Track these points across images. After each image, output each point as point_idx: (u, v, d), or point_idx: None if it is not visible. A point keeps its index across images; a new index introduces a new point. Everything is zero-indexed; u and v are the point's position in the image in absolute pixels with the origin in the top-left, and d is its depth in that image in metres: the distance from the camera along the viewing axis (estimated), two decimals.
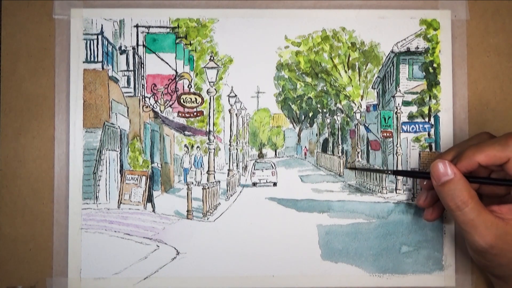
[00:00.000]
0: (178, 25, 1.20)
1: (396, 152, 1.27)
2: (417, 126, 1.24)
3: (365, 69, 1.26)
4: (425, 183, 1.06)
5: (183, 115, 1.24)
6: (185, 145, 1.32)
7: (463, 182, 0.90)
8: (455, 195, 0.89)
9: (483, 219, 0.88)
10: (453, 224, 1.17)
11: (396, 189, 1.24)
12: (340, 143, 1.41)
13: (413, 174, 1.09)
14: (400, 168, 1.25)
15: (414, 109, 1.25)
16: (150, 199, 1.23)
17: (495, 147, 0.89)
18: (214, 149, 1.27)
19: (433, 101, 1.20)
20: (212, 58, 1.22)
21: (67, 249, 1.14)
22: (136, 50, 1.22)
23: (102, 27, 1.18)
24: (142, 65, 1.22)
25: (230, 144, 1.34)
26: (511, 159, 0.88)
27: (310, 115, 1.41)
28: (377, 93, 1.32)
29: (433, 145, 1.21)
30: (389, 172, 1.12)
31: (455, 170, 0.90)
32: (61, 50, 1.17)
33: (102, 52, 1.19)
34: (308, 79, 1.30)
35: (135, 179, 1.22)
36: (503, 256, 0.89)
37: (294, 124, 1.42)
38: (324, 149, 1.44)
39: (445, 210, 1.03)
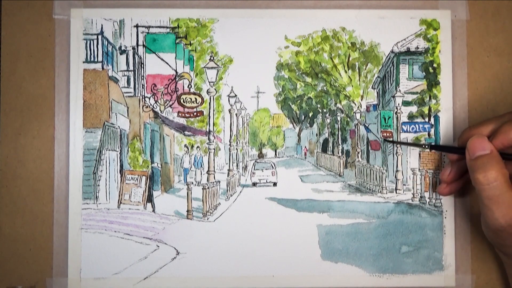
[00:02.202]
0: (178, 25, 1.20)
1: (396, 152, 1.27)
2: (417, 126, 1.24)
3: (365, 69, 1.26)
4: (455, 158, 1.06)
5: (183, 115, 1.24)
6: (185, 145, 1.32)
7: (497, 158, 0.91)
8: (487, 168, 0.90)
9: (509, 197, 0.88)
10: (453, 224, 1.17)
11: (396, 189, 1.24)
12: (340, 143, 1.41)
13: (449, 149, 1.10)
14: (399, 167, 1.25)
15: (414, 109, 1.25)
16: (150, 199, 1.23)
17: None
18: (214, 149, 1.27)
19: (433, 101, 1.20)
20: (212, 58, 1.22)
21: (67, 249, 1.14)
22: (136, 50, 1.22)
23: (102, 27, 1.18)
24: (142, 65, 1.23)
25: (230, 144, 1.34)
26: None
27: (310, 115, 1.41)
28: (377, 93, 1.32)
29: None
30: (426, 146, 1.11)
31: (491, 147, 0.92)
32: (61, 50, 1.17)
33: (102, 52, 1.19)
34: (308, 79, 1.30)
35: (135, 179, 1.22)
36: None
37: (294, 124, 1.42)
38: (324, 149, 1.44)
39: (458, 190, 1.09)
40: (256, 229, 1.18)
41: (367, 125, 1.31)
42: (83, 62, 1.17)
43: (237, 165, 1.37)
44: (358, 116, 1.32)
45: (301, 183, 1.27)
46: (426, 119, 1.23)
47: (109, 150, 1.21)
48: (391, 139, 1.26)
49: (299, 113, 1.39)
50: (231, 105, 1.26)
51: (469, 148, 0.94)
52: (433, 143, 1.19)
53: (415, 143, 1.21)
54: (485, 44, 1.19)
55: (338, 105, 1.32)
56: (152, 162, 1.24)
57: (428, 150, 1.17)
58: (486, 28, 1.20)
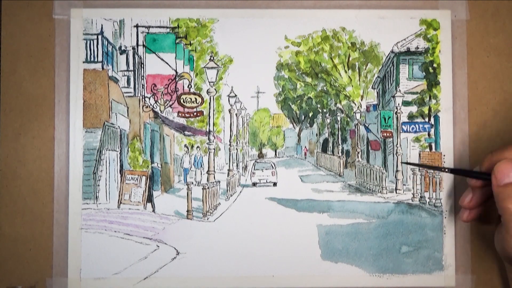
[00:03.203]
0: (178, 25, 1.20)
1: (396, 152, 1.27)
2: (417, 126, 1.24)
3: (365, 69, 1.26)
4: (478, 184, 1.00)
5: (183, 115, 1.24)
6: (185, 145, 1.32)
7: None
8: None
9: None
10: (453, 224, 1.17)
11: (396, 189, 1.24)
12: (340, 143, 1.41)
13: (471, 174, 1.02)
14: (400, 168, 1.25)
15: (414, 109, 1.25)
16: (150, 199, 1.23)
17: None
18: (214, 149, 1.27)
19: (433, 101, 1.20)
20: (212, 58, 1.22)
21: (67, 249, 1.14)
22: (136, 50, 1.22)
23: (102, 27, 1.18)
24: (142, 65, 1.22)
25: (230, 144, 1.34)
26: None
27: (310, 115, 1.41)
28: (377, 93, 1.32)
29: (433, 145, 1.21)
30: (446, 170, 1.04)
31: None
32: (61, 50, 1.17)
33: (102, 52, 1.19)
34: (308, 79, 1.30)
35: (135, 179, 1.22)
36: None
37: (294, 124, 1.42)
38: (324, 149, 1.44)
39: (477, 213, 1.01)
40: (256, 229, 1.18)
41: (367, 125, 1.31)
42: (83, 62, 1.17)
43: (237, 165, 1.37)
44: (358, 116, 1.32)
45: (301, 183, 1.27)
46: (426, 119, 1.23)
47: (109, 150, 1.21)
48: (391, 138, 1.26)
49: (299, 113, 1.39)
50: (231, 105, 1.26)
51: (497, 174, 0.89)
52: (453, 167, 1.15)
53: (435, 167, 1.17)
54: (485, 44, 1.19)
55: (338, 105, 1.32)
56: (152, 162, 1.24)
57: (448, 173, 1.12)
58: (486, 28, 1.20)
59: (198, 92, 1.23)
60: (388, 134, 1.26)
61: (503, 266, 1.10)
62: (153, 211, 1.22)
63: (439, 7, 1.19)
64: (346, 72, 1.26)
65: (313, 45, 1.23)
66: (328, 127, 1.36)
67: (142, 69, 1.22)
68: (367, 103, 1.31)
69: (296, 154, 1.43)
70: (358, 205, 1.20)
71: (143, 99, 1.23)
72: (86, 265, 1.14)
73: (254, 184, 1.34)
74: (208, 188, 1.24)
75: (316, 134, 1.43)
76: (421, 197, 1.21)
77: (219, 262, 1.16)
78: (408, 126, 1.24)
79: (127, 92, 1.23)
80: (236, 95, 1.24)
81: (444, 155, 1.18)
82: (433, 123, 1.22)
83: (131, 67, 1.22)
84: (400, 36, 1.20)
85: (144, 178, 1.22)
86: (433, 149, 1.20)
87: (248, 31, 1.20)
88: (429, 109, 1.22)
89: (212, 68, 1.22)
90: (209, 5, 1.19)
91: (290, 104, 1.33)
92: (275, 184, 1.29)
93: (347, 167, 1.38)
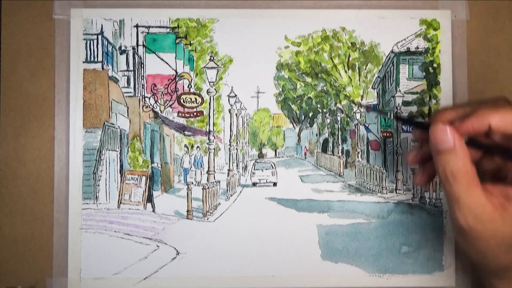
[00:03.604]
0: (178, 25, 1.20)
1: (396, 152, 1.27)
2: None
3: (365, 69, 1.26)
4: (421, 135, 0.89)
5: (183, 115, 1.24)
6: (185, 145, 1.32)
7: (461, 153, 0.76)
8: (448, 166, 0.76)
9: (471, 198, 0.75)
10: None
11: (396, 189, 1.24)
12: (340, 143, 1.41)
13: (414, 122, 0.96)
14: (400, 168, 1.25)
15: (414, 109, 1.25)
16: (150, 199, 1.23)
17: None
18: (214, 149, 1.27)
19: (433, 101, 1.20)
20: (212, 58, 1.22)
21: (67, 249, 1.14)
22: (136, 50, 1.22)
23: (102, 27, 1.18)
24: (142, 65, 1.22)
25: (230, 144, 1.34)
26: None
27: (310, 115, 1.41)
28: (377, 93, 1.32)
29: None
30: (394, 116, 1.08)
31: (456, 139, 0.76)
32: (61, 50, 1.17)
33: (102, 52, 1.19)
34: (308, 79, 1.30)
35: (135, 179, 1.22)
36: (482, 242, 0.77)
37: (294, 124, 1.42)
38: (324, 149, 1.44)
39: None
40: (256, 229, 1.18)
41: (367, 125, 1.31)
42: (83, 62, 1.17)
43: (237, 165, 1.37)
44: (358, 116, 1.32)
45: (301, 183, 1.27)
46: (426, 119, 1.23)
47: (109, 150, 1.21)
48: (391, 138, 1.26)
49: (299, 113, 1.39)
50: (231, 105, 1.26)
51: (431, 137, 0.78)
52: (400, 115, 1.19)
53: (382, 111, 1.21)
54: (485, 44, 1.19)
55: (338, 105, 1.32)
56: (152, 162, 1.24)
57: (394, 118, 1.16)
58: (486, 28, 1.20)
59: (198, 92, 1.23)
60: (388, 134, 1.26)
61: None
62: (153, 211, 1.22)
63: (439, 7, 1.19)
64: (346, 72, 1.26)
65: (313, 45, 1.24)
66: (328, 127, 1.36)
67: (142, 69, 1.22)
68: (367, 103, 1.31)
69: (296, 154, 1.43)
70: (358, 205, 1.20)
71: (143, 99, 1.23)
72: (86, 265, 1.14)
73: (254, 184, 1.34)
74: (208, 188, 1.24)
75: (316, 134, 1.43)
76: (421, 197, 1.21)
77: (219, 262, 1.16)
78: (408, 126, 1.24)
79: (127, 92, 1.23)
80: (236, 95, 1.24)
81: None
82: None
83: (131, 67, 1.22)
84: (400, 36, 1.20)
85: (144, 178, 1.22)
86: None
87: (248, 31, 1.20)
88: (429, 109, 1.22)
89: (212, 68, 1.22)
90: (209, 5, 1.19)
91: (290, 104, 1.33)
92: (275, 184, 1.29)
93: (347, 167, 1.38)
